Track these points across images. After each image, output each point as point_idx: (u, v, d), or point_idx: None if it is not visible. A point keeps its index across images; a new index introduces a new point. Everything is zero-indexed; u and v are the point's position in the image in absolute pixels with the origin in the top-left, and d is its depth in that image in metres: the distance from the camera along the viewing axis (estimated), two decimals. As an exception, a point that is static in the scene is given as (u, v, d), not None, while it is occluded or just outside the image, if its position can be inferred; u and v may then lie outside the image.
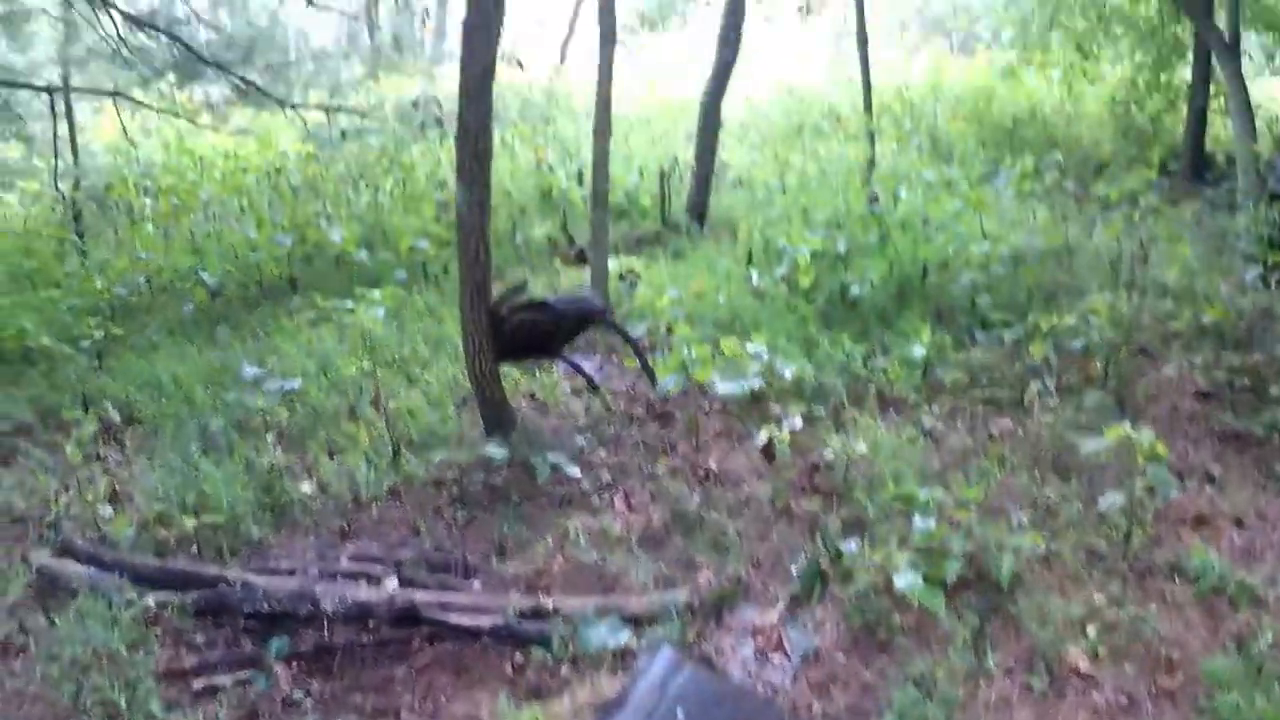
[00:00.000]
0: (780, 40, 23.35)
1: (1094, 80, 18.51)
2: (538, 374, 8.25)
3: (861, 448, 6.06)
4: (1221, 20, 15.13)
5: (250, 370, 8.01)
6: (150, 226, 13.55)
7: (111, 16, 10.39)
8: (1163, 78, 17.91)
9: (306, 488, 6.51)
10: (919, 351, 7.21)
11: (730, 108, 15.65)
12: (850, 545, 5.16)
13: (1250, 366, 7.10)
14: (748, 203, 12.98)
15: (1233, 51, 15.03)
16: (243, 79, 11.02)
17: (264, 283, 11.53)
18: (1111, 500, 5.12)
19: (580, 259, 11.47)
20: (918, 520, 5.01)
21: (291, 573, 5.41)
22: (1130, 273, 8.83)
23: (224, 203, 14.39)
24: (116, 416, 7.63)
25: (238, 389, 8.04)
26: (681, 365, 6.61)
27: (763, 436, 6.01)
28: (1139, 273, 8.78)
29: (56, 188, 13.11)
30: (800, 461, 6.33)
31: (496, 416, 6.91)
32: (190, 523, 5.83)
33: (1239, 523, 5.55)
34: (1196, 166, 15.78)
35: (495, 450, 6.32)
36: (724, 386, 6.37)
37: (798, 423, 6.24)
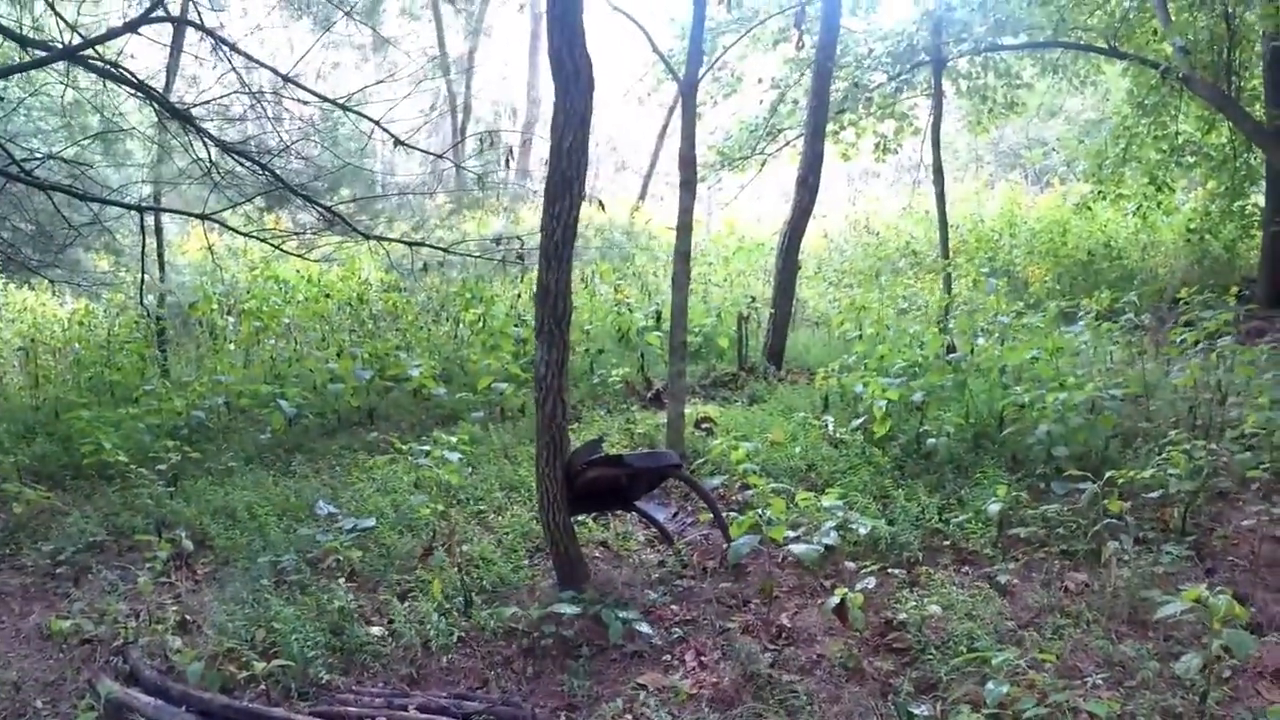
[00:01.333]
0: (854, 171, 23.73)
1: (1169, 211, 18.57)
2: (611, 522, 8.36)
3: (935, 607, 6.07)
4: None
5: (325, 507, 8.23)
6: (231, 347, 14.02)
7: (204, 141, 10.86)
8: (1236, 205, 17.96)
9: (376, 631, 6.59)
10: (994, 506, 7.21)
11: (806, 242, 15.84)
12: (922, 708, 5.18)
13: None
14: (824, 344, 13.10)
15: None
16: (328, 209, 11.41)
17: (341, 413, 11.76)
18: (1188, 662, 5.07)
19: (656, 401, 11.65)
20: (991, 685, 5.01)
21: None
22: (1208, 417, 8.82)
23: (305, 328, 14.81)
24: (189, 544, 7.82)
25: (311, 524, 8.21)
26: (755, 525, 6.67)
27: (835, 597, 6.03)
28: (1215, 416, 8.78)
29: (142, 303, 13.57)
30: (874, 620, 6.35)
31: (570, 569, 7.00)
32: (260, 665, 5.87)
33: (1320, 675, 5.40)
34: (1273, 294, 15.74)
35: (567, 607, 6.37)
36: (798, 548, 6.42)
37: (871, 582, 6.26)
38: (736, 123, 18.83)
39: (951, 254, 16.36)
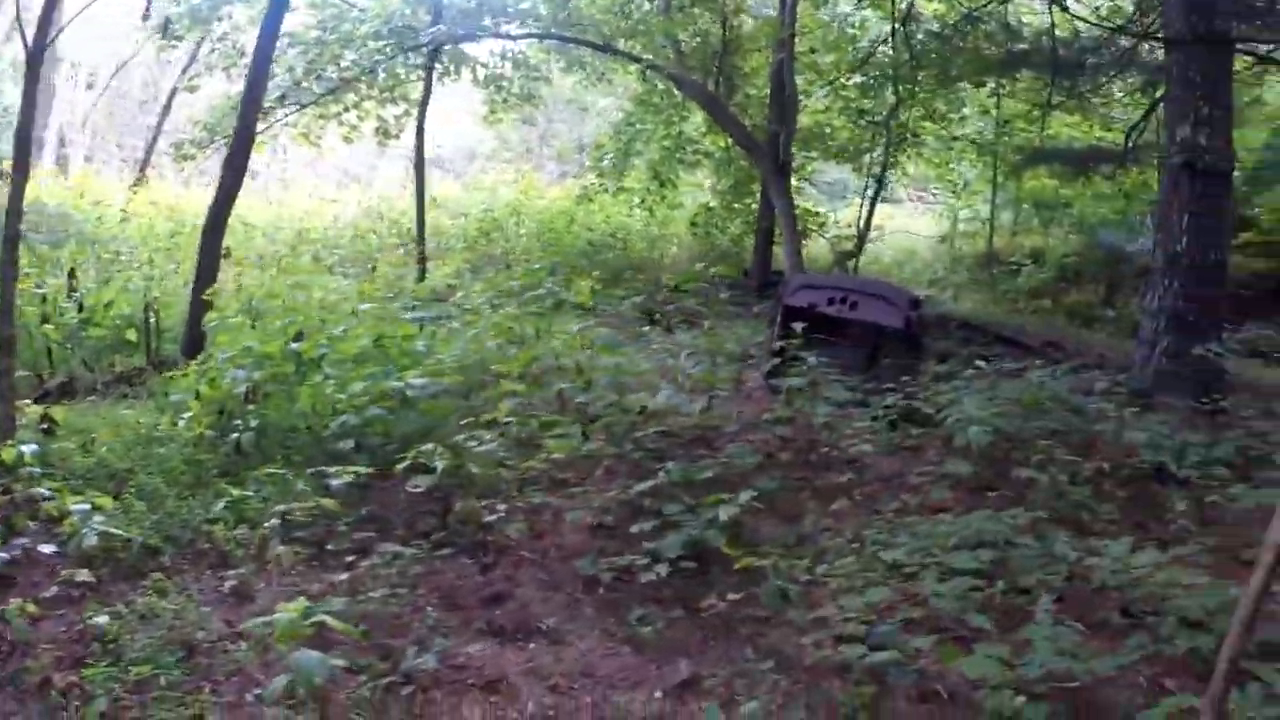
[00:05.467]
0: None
1: (673, 206, 19.08)
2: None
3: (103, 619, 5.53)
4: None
5: None
6: None
7: None
8: (742, 203, 18.70)
9: None
10: (221, 504, 6.83)
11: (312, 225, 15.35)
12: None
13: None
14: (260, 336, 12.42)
15: (780, 173, 15.82)
16: None
17: None
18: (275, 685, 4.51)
19: (45, 398, 10.62)
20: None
21: None
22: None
23: None
24: None
25: None
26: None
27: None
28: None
29: None
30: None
31: None
32: None
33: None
34: (763, 283, 16.44)
35: None
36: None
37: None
38: (223, 98, 17.89)
39: (431, 239, 16.25)
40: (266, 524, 6.60)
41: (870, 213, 19.28)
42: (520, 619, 5.66)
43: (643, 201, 18.61)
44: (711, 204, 19.11)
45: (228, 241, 16.21)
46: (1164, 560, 5.05)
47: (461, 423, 7.75)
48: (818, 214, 19.82)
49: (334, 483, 7.00)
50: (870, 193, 19.29)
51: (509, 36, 17.12)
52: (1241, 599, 3.36)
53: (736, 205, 19.12)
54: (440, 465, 6.85)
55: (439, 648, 5.13)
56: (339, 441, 7.62)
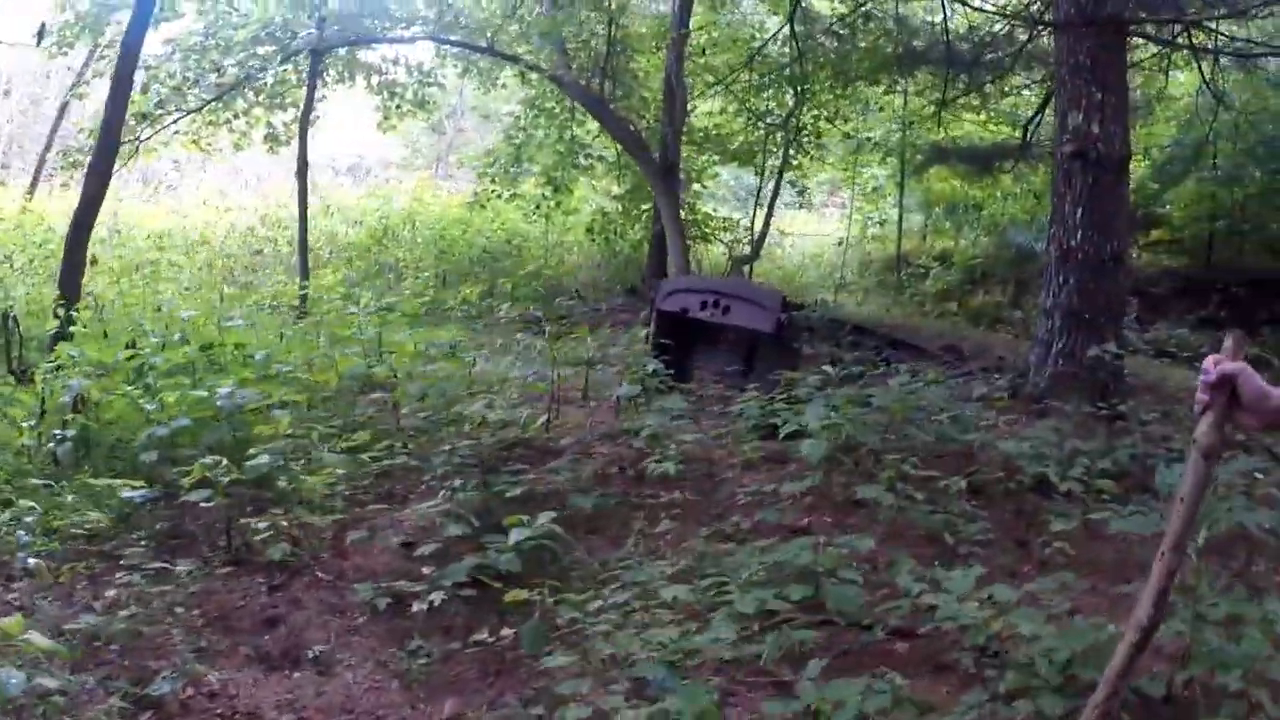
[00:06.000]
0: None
1: (569, 212, 18.56)
2: None
3: None
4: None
5: None
6: None
7: None
8: (639, 208, 18.22)
9: None
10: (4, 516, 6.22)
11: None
12: None
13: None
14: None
15: (667, 174, 15.32)
16: None
17: None
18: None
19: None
20: None
21: None
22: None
23: None
24: None
25: None
26: None
27: None
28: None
29: None
30: None
31: None
32: None
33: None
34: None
35: None
36: None
37: None
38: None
39: (325, 247, 15.63)
40: (11, 535, 6.00)
41: (768, 216, 18.96)
42: (290, 645, 5.09)
43: (538, 208, 18.04)
44: (607, 209, 18.57)
45: (114, 250, 15.64)
46: (1014, 597, 4.38)
47: (266, 434, 7.11)
48: (725, 220, 19.45)
49: (128, 494, 6.46)
50: (769, 195, 18.89)
51: (393, 40, 16.53)
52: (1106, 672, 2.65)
53: (634, 210, 18.59)
54: (224, 480, 6.19)
55: (189, 674, 4.57)
56: (144, 453, 6.98)
